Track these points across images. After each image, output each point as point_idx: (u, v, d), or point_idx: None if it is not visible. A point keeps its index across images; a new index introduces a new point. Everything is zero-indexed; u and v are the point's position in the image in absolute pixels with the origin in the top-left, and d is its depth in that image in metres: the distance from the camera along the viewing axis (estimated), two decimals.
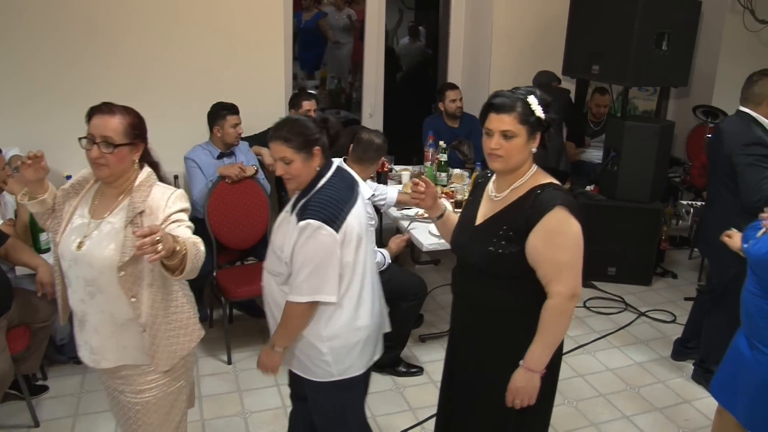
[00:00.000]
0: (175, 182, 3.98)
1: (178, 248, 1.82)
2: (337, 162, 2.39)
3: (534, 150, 2.02)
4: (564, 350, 3.86)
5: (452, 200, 4.17)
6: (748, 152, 3.19)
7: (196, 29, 4.66)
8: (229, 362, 3.82)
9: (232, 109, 4.18)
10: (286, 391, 3.50)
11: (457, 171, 4.81)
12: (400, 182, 4.66)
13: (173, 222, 2.03)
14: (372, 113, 5.81)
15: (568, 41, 4.93)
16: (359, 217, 2.28)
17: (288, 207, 2.35)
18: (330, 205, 2.20)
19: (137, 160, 2.13)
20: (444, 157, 4.63)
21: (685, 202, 5.21)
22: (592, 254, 4.75)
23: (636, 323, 4.37)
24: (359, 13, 6.71)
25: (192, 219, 2.15)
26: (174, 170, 4.37)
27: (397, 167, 4.98)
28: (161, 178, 2.20)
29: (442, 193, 4.40)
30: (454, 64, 5.90)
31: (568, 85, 5.52)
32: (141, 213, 2.05)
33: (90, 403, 3.42)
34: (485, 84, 5.57)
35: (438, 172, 4.63)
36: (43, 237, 3.42)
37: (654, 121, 4.98)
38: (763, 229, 2.38)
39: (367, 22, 5.57)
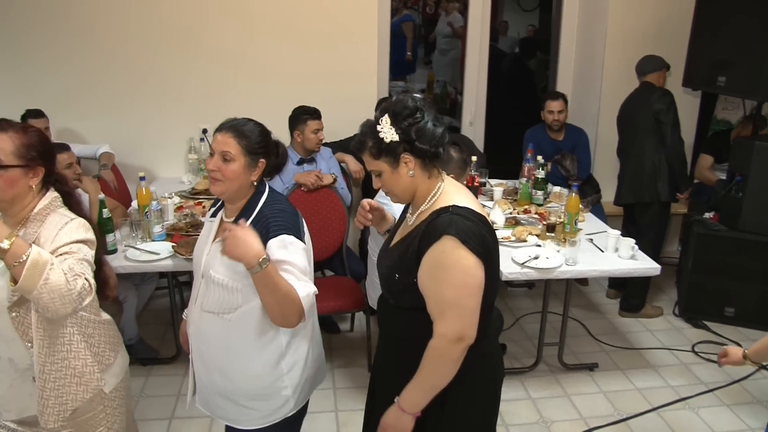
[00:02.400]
0: None
1: (7, 247, 1.57)
2: None
3: (411, 173, 1.80)
4: (661, 403, 3.46)
5: (544, 222, 3.76)
6: None
7: (282, 28, 4.56)
8: None
9: (314, 114, 3.99)
10: (345, 417, 3.31)
11: (556, 189, 4.38)
12: (491, 198, 4.30)
13: (60, 255, 1.76)
14: (472, 121, 5.46)
15: (691, 48, 4.36)
16: (308, 234, 2.11)
17: (215, 235, 2.08)
18: (290, 219, 2.00)
19: (36, 186, 1.88)
20: (541, 174, 4.20)
21: None
22: (707, 291, 4.33)
23: (754, 378, 3.75)
24: None
25: None
26: None
27: (493, 181, 4.62)
28: (73, 208, 1.96)
29: (536, 213, 4.01)
30: (565, 70, 5.43)
31: (692, 99, 4.94)
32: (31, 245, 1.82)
33: (147, 408, 3.36)
34: (596, 92, 5.09)
35: (534, 190, 4.22)
36: (110, 238, 3.36)
37: None
38: None
39: (469, 24, 5.24)
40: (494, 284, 1.83)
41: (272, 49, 4.57)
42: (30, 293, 1.60)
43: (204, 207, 3.96)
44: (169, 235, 3.55)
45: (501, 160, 5.17)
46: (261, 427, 2.11)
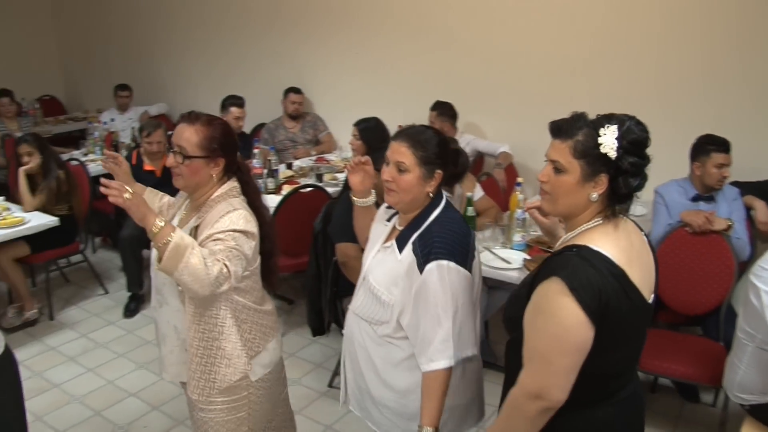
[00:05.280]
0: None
1: (156, 230, 1.73)
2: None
3: (594, 197, 1.53)
4: None
5: None
6: None
7: (664, 39, 4.14)
8: None
9: (721, 146, 3.42)
10: None
11: None
12: None
13: (213, 240, 1.86)
14: None
15: None
16: (477, 258, 2.01)
17: (385, 239, 2.03)
18: (458, 242, 1.89)
19: (216, 175, 2.01)
20: None
21: None
22: None
23: None
24: None
25: None
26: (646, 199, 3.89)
27: None
28: (250, 196, 2.06)
29: None
30: None
31: None
32: (196, 228, 1.96)
33: None
34: None
35: None
36: None
37: None
38: None
39: None
40: (618, 353, 1.56)
41: (644, 58, 4.22)
42: (172, 273, 1.75)
43: None
44: (530, 246, 3.44)
45: None
46: None
